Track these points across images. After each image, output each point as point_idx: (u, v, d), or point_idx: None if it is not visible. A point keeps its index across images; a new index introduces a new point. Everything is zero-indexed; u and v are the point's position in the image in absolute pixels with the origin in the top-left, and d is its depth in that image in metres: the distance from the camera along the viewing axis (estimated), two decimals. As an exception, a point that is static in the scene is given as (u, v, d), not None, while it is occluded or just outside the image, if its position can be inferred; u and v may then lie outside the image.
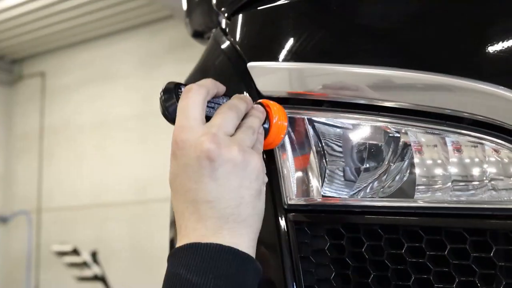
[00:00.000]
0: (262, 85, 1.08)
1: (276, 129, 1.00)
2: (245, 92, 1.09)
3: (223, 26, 1.29)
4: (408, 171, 0.96)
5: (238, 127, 0.94)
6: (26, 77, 9.16)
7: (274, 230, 1.04)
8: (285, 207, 1.03)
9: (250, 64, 1.10)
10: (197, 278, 0.82)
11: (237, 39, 1.18)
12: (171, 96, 0.94)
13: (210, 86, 0.95)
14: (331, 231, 1.00)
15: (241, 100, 0.97)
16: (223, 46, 1.21)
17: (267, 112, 1.00)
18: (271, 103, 1.02)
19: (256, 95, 1.07)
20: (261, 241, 1.05)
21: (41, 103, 8.83)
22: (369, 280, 0.96)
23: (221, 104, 0.97)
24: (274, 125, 1.00)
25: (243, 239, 0.88)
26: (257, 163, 0.90)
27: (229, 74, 1.16)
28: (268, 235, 1.06)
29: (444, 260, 0.90)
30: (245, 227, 0.88)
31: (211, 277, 0.82)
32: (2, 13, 7.92)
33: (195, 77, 1.25)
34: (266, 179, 0.95)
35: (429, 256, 0.91)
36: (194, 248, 0.85)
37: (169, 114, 0.94)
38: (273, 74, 1.08)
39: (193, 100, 0.91)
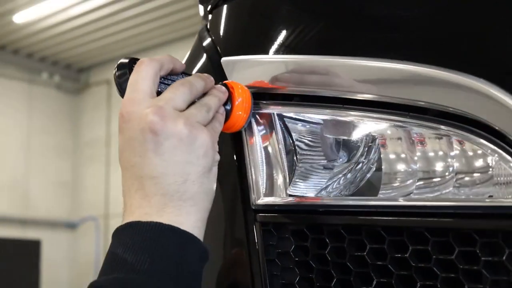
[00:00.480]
0: (233, 80, 1.04)
1: (238, 110, 0.96)
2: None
3: (206, 20, 1.26)
4: (374, 167, 0.91)
5: (192, 104, 0.91)
6: (92, 85, 9.40)
7: (243, 232, 1.00)
8: (253, 207, 0.99)
9: (224, 59, 1.07)
10: (133, 257, 0.80)
11: (215, 33, 1.15)
12: (125, 71, 0.92)
13: (164, 60, 0.92)
14: (296, 232, 0.95)
15: (199, 78, 0.94)
16: (204, 42, 1.19)
17: (231, 93, 0.97)
18: (237, 84, 0.98)
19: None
20: (231, 243, 1.02)
21: (107, 111, 9.04)
22: (332, 285, 0.90)
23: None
24: (237, 106, 0.96)
25: (189, 217, 0.85)
26: (205, 139, 0.87)
27: (207, 71, 1.13)
28: (237, 237, 1.03)
29: (407, 262, 0.84)
30: (191, 205, 0.86)
31: (146, 256, 0.80)
32: (68, 22, 8.16)
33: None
34: (218, 157, 0.91)
35: (391, 258, 0.86)
36: (134, 227, 0.83)
37: (122, 90, 0.91)
38: (243, 68, 1.04)
39: (144, 73, 0.89)
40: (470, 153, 0.82)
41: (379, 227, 0.86)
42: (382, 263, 0.86)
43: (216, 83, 0.99)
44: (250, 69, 1.03)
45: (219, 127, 0.93)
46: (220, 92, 0.95)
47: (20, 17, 8.35)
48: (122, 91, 0.91)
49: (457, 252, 0.80)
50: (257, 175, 0.99)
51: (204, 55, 1.16)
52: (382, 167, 0.90)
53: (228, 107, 0.96)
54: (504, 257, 0.76)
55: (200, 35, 1.23)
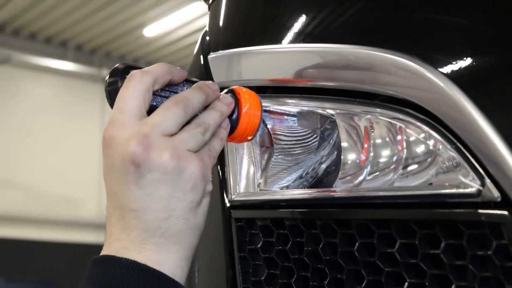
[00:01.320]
0: (216, 76, 1.05)
1: (246, 119, 0.88)
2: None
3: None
4: (332, 157, 0.89)
5: (188, 123, 0.83)
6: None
7: (220, 228, 1.01)
8: (229, 204, 0.99)
9: (210, 55, 1.08)
10: None
11: (209, 28, 1.16)
12: (116, 79, 0.84)
13: (159, 73, 0.83)
14: (264, 228, 0.94)
15: (198, 92, 0.85)
16: (203, 37, 1.20)
17: (237, 101, 0.89)
18: (243, 90, 0.90)
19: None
20: (211, 239, 1.03)
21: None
22: (292, 281, 0.89)
23: (178, 93, 0.86)
24: (244, 115, 0.88)
25: (170, 256, 0.79)
26: (194, 171, 0.79)
27: (200, 67, 1.14)
28: (216, 233, 1.03)
29: (355, 257, 0.81)
30: (174, 243, 0.79)
31: None
32: (195, 34, 8.43)
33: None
34: (210, 188, 0.83)
35: (341, 252, 0.83)
36: (108, 262, 0.78)
37: (110, 100, 0.83)
38: (223, 63, 1.05)
39: (132, 90, 0.81)
40: (415, 140, 0.78)
41: (330, 221, 0.84)
42: (333, 257, 0.84)
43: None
44: (224, 63, 1.04)
45: (219, 146, 0.86)
46: (223, 105, 0.87)
47: (149, 31, 8.75)
48: (109, 101, 0.84)
49: (399, 244, 0.77)
50: (234, 170, 1.00)
51: (201, 51, 1.17)
52: (341, 157, 0.87)
53: (234, 117, 0.88)
54: (440, 250, 0.72)
55: (202, 35, 1.25)
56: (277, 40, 0.95)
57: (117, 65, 0.86)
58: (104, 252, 0.79)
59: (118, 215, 0.79)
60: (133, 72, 0.83)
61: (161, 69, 0.84)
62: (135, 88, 0.81)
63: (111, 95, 0.84)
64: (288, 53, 0.93)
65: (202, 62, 1.14)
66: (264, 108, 0.92)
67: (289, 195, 0.90)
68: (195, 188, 0.79)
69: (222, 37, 1.09)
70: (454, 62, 0.73)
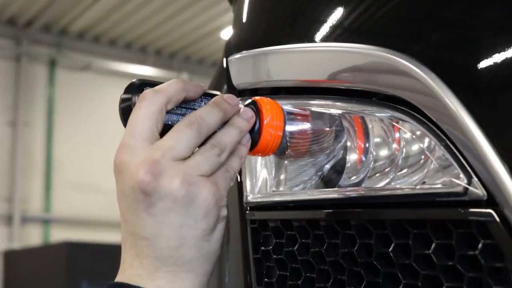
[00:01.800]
0: (234, 79, 1.07)
1: (268, 132, 0.85)
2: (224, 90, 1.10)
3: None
4: (338, 157, 0.89)
5: (202, 144, 0.81)
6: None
7: (238, 230, 1.03)
8: (245, 205, 1.01)
9: (231, 57, 1.10)
10: None
11: (232, 27, 1.18)
12: (129, 97, 0.82)
13: (172, 91, 0.82)
14: (275, 229, 0.96)
15: (215, 108, 0.83)
16: (228, 40, 1.22)
17: (259, 113, 0.86)
18: (265, 101, 0.87)
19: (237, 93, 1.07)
20: (230, 243, 1.05)
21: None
22: (299, 282, 0.90)
23: (196, 110, 0.84)
24: (265, 127, 0.85)
25: (183, 284, 0.79)
26: (207, 198, 0.78)
27: (222, 72, 1.16)
28: (234, 235, 1.06)
29: (354, 258, 0.82)
30: (187, 271, 0.79)
31: None
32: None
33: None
34: (225, 213, 0.82)
35: (342, 254, 0.84)
36: None
37: (123, 119, 0.82)
38: (242, 65, 1.07)
39: (143, 112, 0.79)
40: (410, 139, 0.79)
41: (330, 221, 0.85)
42: (335, 258, 0.85)
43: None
44: (242, 65, 1.06)
45: (238, 165, 0.84)
46: (243, 120, 0.84)
47: (227, 34, 8.86)
48: (123, 121, 0.82)
49: (394, 245, 0.77)
50: (250, 172, 1.02)
51: (224, 60, 1.19)
52: (346, 157, 0.88)
53: (255, 130, 0.85)
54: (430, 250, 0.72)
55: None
56: (307, 38, 0.94)
57: (133, 80, 0.84)
58: (118, 278, 0.80)
59: (131, 242, 0.80)
60: (145, 92, 0.81)
61: (175, 86, 0.82)
62: (147, 109, 0.79)
63: (124, 113, 0.82)
64: (321, 53, 0.93)
65: (224, 66, 1.15)
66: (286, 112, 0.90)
67: (306, 196, 0.92)
68: (207, 215, 0.79)
69: (245, 36, 1.11)
70: (443, 61, 0.73)
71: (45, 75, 9.01)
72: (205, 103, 0.85)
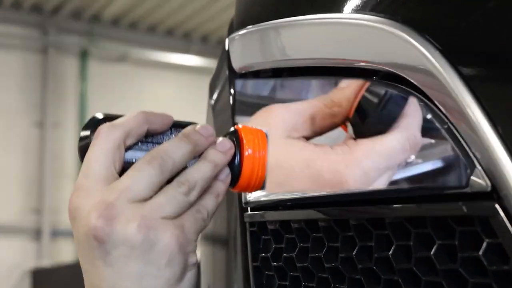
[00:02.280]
0: (235, 61, 1.09)
1: (249, 164, 0.86)
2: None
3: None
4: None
5: (168, 181, 0.82)
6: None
7: (236, 232, 1.05)
8: (243, 205, 1.03)
9: (233, 35, 1.11)
10: None
11: (236, 2, 1.20)
12: (87, 134, 0.84)
13: (131, 124, 0.83)
14: (275, 232, 0.97)
15: (183, 141, 0.84)
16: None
17: (239, 143, 0.86)
18: (246, 129, 0.88)
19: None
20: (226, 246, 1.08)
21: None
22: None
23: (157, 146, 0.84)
24: (246, 159, 0.86)
25: None
26: (169, 243, 0.79)
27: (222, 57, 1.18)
28: (231, 239, 1.08)
29: (354, 263, 0.83)
30: None
31: None
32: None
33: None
34: (194, 260, 0.82)
35: (342, 258, 0.85)
36: None
37: (81, 159, 0.84)
38: (246, 43, 1.08)
39: (98, 150, 0.81)
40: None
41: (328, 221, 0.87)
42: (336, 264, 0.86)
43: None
44: (243, 45, 1.07)
45: (213, 204, 0.85)
46: (217, 153, 0.85)
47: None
48: (80, 160, 0.84)
49: (395, 247, 0.78)
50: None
51: (226, 41, 1.20)
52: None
53: (236, 163, 0.86)
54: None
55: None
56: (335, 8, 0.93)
57: (95, 114, 0.86)
58: None
59: None
60: (100, 127, 0.82)
61: (134, 119, 0.83)
62: (101, 147, 0.81)
63: (81, 152, 0.84)
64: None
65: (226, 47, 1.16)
66: None
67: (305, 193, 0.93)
68: (171, 262, 0.79)
69: (251, 8, 1.11)
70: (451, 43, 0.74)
71: (76, 68, 9.15)
72: (175, 135, 0.86)
